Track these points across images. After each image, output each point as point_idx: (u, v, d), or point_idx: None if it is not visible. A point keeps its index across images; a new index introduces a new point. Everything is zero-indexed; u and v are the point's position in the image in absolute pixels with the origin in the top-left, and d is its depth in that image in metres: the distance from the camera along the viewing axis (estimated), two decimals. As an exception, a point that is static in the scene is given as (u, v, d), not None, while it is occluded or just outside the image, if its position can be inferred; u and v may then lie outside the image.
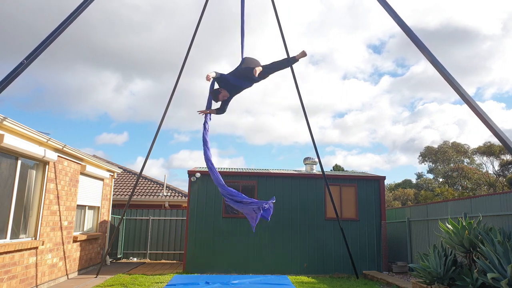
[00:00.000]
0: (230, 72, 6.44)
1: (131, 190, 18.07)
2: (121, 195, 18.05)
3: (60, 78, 58.21)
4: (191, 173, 12.25)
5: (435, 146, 40.46)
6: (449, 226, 7.65)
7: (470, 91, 60.66)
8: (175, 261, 14.44)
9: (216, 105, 6.63)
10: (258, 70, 6.08)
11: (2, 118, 6.50)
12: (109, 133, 70.71)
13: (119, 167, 17.74)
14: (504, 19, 52.43)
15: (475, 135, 59.44)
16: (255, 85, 6.57)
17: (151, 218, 14.95)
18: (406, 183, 45.44)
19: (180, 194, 18.51)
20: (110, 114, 67.91)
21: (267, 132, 68.59)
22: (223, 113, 6.64)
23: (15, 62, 5.60)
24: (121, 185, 19.30)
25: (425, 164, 41.48)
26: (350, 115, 72.46)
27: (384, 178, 12.79)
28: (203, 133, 6.30)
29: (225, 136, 73.45)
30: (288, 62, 6.66)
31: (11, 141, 6.77)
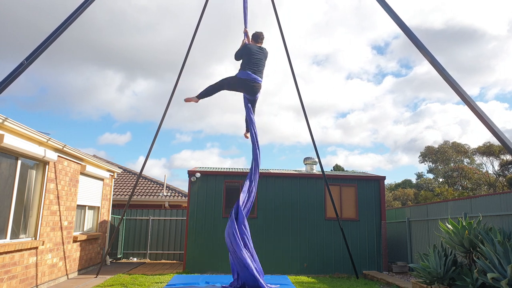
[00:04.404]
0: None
1: (131, 190, 18.07)
2: (121, 195, 18.04)
3: (64, 78, 58.35)
4: (191, 173, 12.25)
5: (436, 146, 40.50)
6: (449, 226, 7.64)
7: (474, 91, 60.80)
8: (175, 261, 14.44)
9: None
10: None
11: (2, 118, 6.50)
12: (112, 133, 70.88)
13: (119, 167, 17.74)
14: (510, 20, 52.46)
15: (477, 136, 59.51)
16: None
17: (151, 218, 14.95)
18: (406, 183, 45.44)
19: (180, 194, 18.51)
20: (113, 114, 68.04)
21: (269, 132, 68.70)
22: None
23: (19, 61, 5.59)
24: (121, 185, 19.30)
25: (425, 164, 41.52)
26: (352, 115, 72.59)
27: (384, 178, 12.79)
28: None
29: (227, 136, 73.52)
30: None
31: (11, 141, 6.77)
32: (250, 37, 6.86)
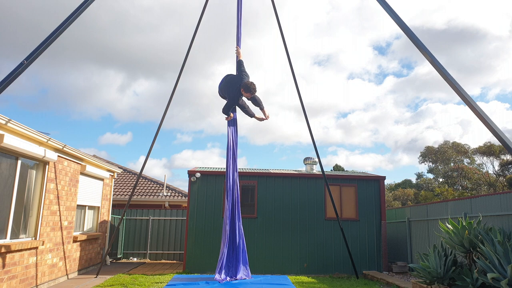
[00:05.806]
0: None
1: (131, 190, 18.07)
2: (121, 195, 18.05)
3: (65, 78, 58.42)
4: (191, 173, 12.24)
5: (436, 146, 40.49)
6: (449, 226, 7.65)
7: (475, 91, 60.86)
8: (175, 261, 14.45)
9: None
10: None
11: (2, 118, 6.50)
12: (113, 133, 70.94)
13: (119, 167, 17.75)
14: (512, 20, 52.46)
15: (478, 136, 59.49)
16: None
17: (151, 218, 14.95)
18: (406, 183, 45.43)
19: (180, 194, 18.52)
20: (114, 115, 68.09)
21: (270, 132, 68.74)
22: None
23: (19, 61, 5.59)
24: (121, 185, 19.30)
25: (425, 164, 41.53)
26: (353, 115, 72.62)
27: (384, 178, 12.79)
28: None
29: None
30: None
31: (11, 141, 6.77)
32: (244, 84, 6.61)
